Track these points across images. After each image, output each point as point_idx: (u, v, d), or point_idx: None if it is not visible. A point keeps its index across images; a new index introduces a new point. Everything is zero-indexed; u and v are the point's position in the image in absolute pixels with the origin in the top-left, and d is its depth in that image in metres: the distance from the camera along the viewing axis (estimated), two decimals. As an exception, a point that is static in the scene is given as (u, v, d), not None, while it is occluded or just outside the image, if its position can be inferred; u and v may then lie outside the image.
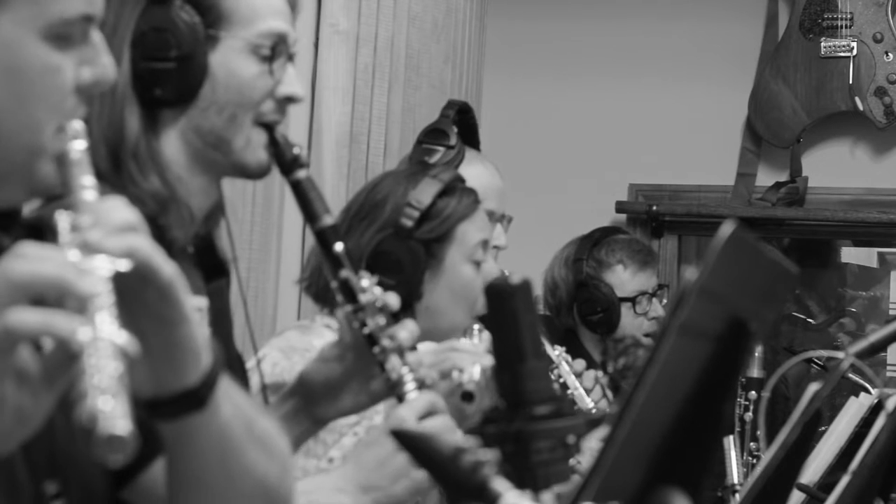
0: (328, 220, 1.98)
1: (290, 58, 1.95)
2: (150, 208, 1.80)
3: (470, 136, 3.00)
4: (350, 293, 1.97)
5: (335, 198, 4.08)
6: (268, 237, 3.90)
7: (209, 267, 1.95)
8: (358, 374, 2.02)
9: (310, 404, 2.06)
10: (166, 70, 1.85)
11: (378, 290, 1.98)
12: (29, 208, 1.44)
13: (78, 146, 1.34)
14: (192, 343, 1.31)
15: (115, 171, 1.82)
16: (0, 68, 1.31)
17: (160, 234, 1.78)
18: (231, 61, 1.89)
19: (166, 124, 1.89)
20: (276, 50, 1.92)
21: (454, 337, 2.54)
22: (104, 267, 1.21)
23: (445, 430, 1.93)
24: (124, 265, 1.22)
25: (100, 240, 1.22)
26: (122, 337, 1.16)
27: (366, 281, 1.98)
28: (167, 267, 1.26)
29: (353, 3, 4.20)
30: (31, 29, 1.32)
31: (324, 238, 1.98)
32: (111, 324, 1.17)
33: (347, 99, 4.17)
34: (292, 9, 1.98)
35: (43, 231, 1.36)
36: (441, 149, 2.81)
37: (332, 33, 4.18)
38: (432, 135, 2.86)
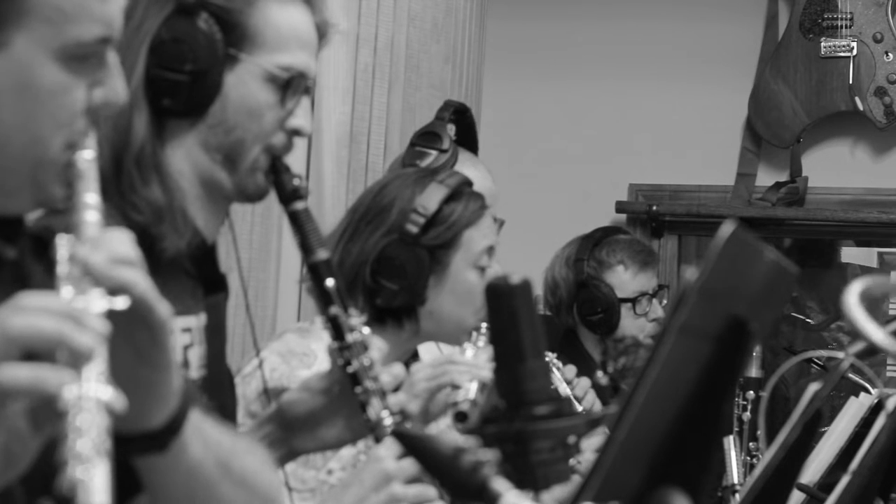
0: (322, 254, 1.96)
1: (307, 91, 1.92)
2: (144, 217, 1.79)
3: (467, 137, 2.98)
4: (338, 330, 1.96)
5: (335, 198, 4.08)
6: (268, 237, 3.89)
7: (209, 281, 1.93)
8: (343, 409, 2.00)
9: (288, 434, 2.03)
10: (178, 82, 1.83)
11: (367, 330, 1.97)
12: (34, 216, 1.44)
13: (86, 156, 1.34)
14: (167, 388, 1.31)
15: (116, 175, 1.80)
16: (12, 85, 1.32)
17: (151, 243, 1.77)
18: (246, 85, 1.86)
19: (174, 135, 1.87)
20: (292, 83, 1.89)
21: (459, 339, 2.54)
22: (100, 304, 1.20)
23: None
24: (121, 303, 1.21)
25: (98, 269, 1.21)
26: (108, 393, 1.16)
27: (355, 319, 1.96)
28: (162, 307, 1.25)
29: (353, 3, 4.19)
30: (46, 49, 1.32)
31: (316, 272, 1.96)
32: (99, 378, 1.16)
33: (347, 99, 4.17)
34: (321, 37, 1.97)
35: (47, 241, 1.36)
36: (433, 152, 2.80)
37: (332, 33, 4.17)
38: (425, 137, 2.84)
